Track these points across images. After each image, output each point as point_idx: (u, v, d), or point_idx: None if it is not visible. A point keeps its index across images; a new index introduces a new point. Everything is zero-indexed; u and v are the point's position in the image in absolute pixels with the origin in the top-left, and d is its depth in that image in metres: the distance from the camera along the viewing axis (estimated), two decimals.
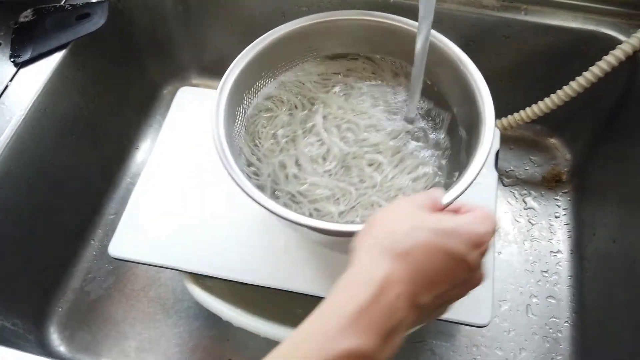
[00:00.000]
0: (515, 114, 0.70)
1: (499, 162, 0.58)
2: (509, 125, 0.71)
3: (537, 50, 0.69)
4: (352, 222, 0.47)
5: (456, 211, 0.36)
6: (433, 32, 0.49)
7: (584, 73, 0.62)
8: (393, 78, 0.55)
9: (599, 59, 0.61)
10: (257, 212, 0.53)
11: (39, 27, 0.65)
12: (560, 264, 0.71)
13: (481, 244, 0.32)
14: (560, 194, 0.76)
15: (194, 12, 0.78)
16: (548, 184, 0.77)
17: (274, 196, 0.48)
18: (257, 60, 0.52)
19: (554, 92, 0.65)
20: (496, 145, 0.58)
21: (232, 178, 0.43)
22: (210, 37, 0.81)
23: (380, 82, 0.55)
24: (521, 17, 0.66)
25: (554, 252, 0.72)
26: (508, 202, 0.76)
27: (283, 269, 0.53)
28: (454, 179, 0.47)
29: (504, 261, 0.71)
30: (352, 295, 0.29)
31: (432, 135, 0.51)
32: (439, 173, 0.49)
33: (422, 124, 0.52)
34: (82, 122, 0.70)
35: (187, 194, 0.58)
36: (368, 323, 0.28)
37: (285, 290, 0.52)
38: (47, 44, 0.64)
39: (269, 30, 0.52)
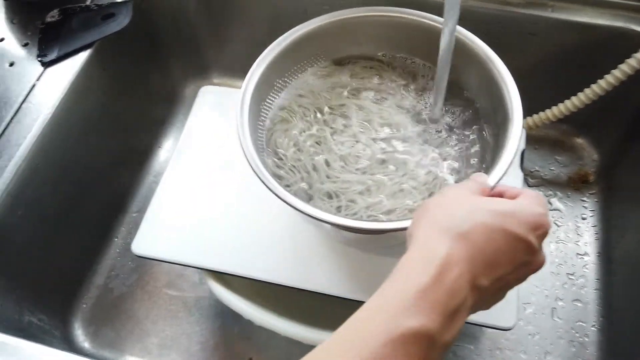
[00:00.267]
0: (541, 113, 0.68)
1: (524, 162, 0.57)
2: (534, 124, 0.70)
3: (564, 48, 0.67)
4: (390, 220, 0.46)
5: (500, 196, 0.37)
6: (459, 28, 0.48)
7: (613, 71, 0.60)
8: (412, 78, 0.55)
9: (629, 57, 0.59)
10: (280, 210, 0.53)
11: (65, 27, 0.66)
12: (587, 266, 0.70)
13: (540, 226, 0.32)
14: (587, 195, 0.75)
15: (216, 11, 0.78)
16: (574, 184, 0.75)
17: (307, 196, 0.48)
18: (278, 59, 0.52)
19: (581, 90, 0.64)
20: (522, 145, 0.57)
21: (264, 183, 0.43)
22: (232, 36, 0.81)
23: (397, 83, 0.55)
24: (548, 14, 0.65)
25: (580, 254, 0.70)
26: None
27: (306, 268, 0.53)
28: None
29: None
30: (414, 275, 0.29)
31: (457, 135, 0.51)
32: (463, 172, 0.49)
33: (447, 123, 0.51)
34: (106, 121, 0.71)
35: (210, 192, 0.58)
36: (432, 302, 0.28)
37: (308, 290, 0.52)
38: (73, 44, 0.65)
39: (291, 28, 0.52)
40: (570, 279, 0.69)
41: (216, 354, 0.66)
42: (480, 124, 0.51)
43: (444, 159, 0.49)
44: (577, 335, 0.65)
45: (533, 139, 0.79)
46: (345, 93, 0.54)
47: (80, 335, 0.68)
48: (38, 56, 0.64)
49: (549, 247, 0.71)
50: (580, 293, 0.68)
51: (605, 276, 0.68)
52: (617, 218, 0.70)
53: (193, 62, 0.87)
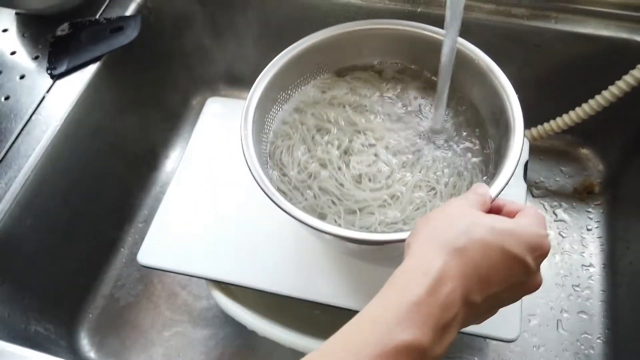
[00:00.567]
0: (546, 124, 0.68)
1: (529, 173, 0.57)
2: (538, 135, 0.70)
3: (568, 59, 0.67)
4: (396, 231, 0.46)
5: (498, 210, 0.37)
6: (461, 40, 0.48)
7: (617, 82, 0.61)
8: (415, 90, 0.55)
9: (633, 68, 0.59)
10: (284, 222, 0.54)
11: (75, 40, 0.67)
12: (592, 278, 0.69)
13: (539, 248, 0.32)
14: (593, 205, 0.74)
15: (223, 24, 0.79)
16: (579, 195, 0.75)
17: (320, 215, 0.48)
18: (283, 71, 0.52)
19: (586, 101, 0.64)
20: (525, 155, 0.57)
21: (267, 195, 0.43)
22: (238, 48, 0.82)
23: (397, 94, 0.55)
24: (551, 25, 0.65)
25: (585, 265, 0.70)
26: None
27: (310, 279, 0.53)
28: None
29: None
30: (409, 287, 0.29)
31: (459, 146, 0.51)
32: (466, 182, 0.49)
33: (448, 133, 0.52)
34: (114, 132, 0.72)
35: (216, 203, 0.59)
36: (425, 316, 0.28)
37: (312, 301, 0.52)
38: (82, 57, 0.66)
39: (297, 40, 0.53)
40: (575, 290, 0.68)
41: None
42: (482, 134, 0.51)
43: (446, 170, 0.49)
44: (583, 347, 0.65)
45: (538, 150, 0.79)
46: (347, 108, 0.54)
47: (86, 344, 0.69)
48: (48, 69, 0.65)
49: (553, 258, 0.71)
50: (586, 305, 0.67)
51: (611, 288, 0.68)
52: (623, 229, 0.70)
53: (200, 74, 0.88)
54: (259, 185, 0.43)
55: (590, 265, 0.70)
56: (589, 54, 0.66)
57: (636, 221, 0.68)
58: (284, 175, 0.50)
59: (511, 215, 0.36)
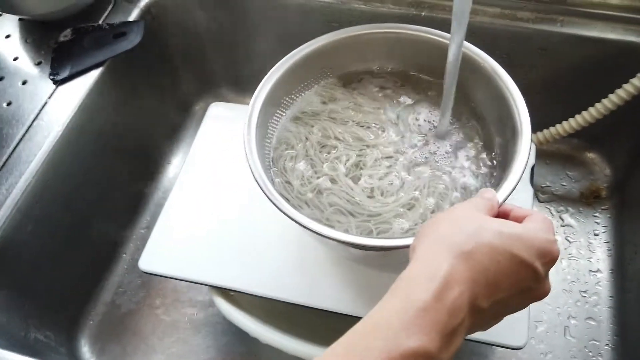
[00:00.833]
0: (552, 128, 0.68)
1: (535, 177, 0.56)
2: (545, 139, 0.69)
3: (575, 63, 0.67)
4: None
5: (505, 215, 0.36)
6: (467, 44, 0.48)
7: (624, 85, 0.60)
8: (420, 95, 0.55)
9: None
10: (287, 228, 0.53)
11: (78, 46, 0.67)
12: (600, 283, 0.68)
13: (548, 254, 0.32)
14: (600, 210, 0.74)
15: (226, 29, 0.79)
16: (586, 200, 0.74)
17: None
18: (286, 76, 0.52)
19: (592, 105, 0.63)
20: (532, 160, 0.57)
21: (271, 200, 0.42)
22: (241, 53, 0.82)
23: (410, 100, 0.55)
24: (557, 29, 0.64)
25: (593, 271, 0.69)
26: None
27: (313, 285, 0.52)
28: None
29: None
30: (415, 292, 0.29)
31: (466, 150, 0.50)
32: (473, 188, 0.48)
33: (454, 138, 0.51)
34: (116, 138, 0.71)
35: (218, 209, 0.58)
36: (432, 322, 0.28)
37: (315, 308, 0.51)
38: (85, 62, 0.65)
39: (299, 45, 0.53)
40: (583, 296, 0.67)
41: None
42: (488, 139, 0.50)
43: (452, 175, 0.49)
44: (591, 354, 0.64)
45: (544, 154, 0.78)
46: (350, 118, 0.53)
47: (86, 352, 0.68)
48: (50, 74, 0.65)
49: (560, 263, 0.70)
50: (594, 311, 0.66)
51: (619, 293, 0.67)
52: (630, 234, 0.69)
53: (203, 79, 0.87)
54: (263, 191, 0.43)
55: (598, 270, 0.69)
56: (596, 58, 0.65)
57: None
58: (288, 183, 0.49)
59: (519, 220, 0.35)
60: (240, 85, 0.88)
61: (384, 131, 0.52)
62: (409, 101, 0.54)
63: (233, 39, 0.81)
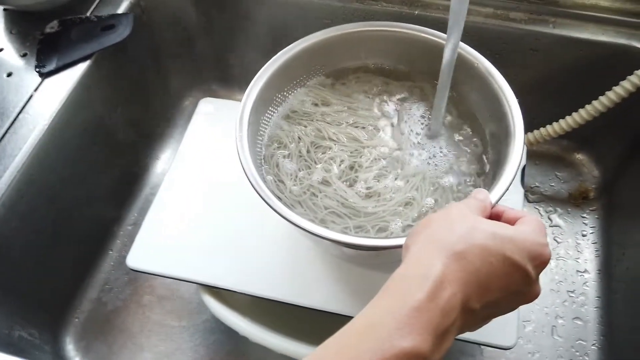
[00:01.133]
0: (542, 129, 0.68)
1: (524, 177, 0.56)
2: (535, 140, 0.69)
3: (566, 64, 0.67)
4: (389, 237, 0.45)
5: (497, 217, 0.36)
6: (462, 44, 0.48)
7: (615, 88, 0.60)
8: (412, 94, 0.54)
9: (631, 73, 0.59)
10: (278, 226, 0.53)
11: (64, 38, 0.66)
12: (587, 284, 0.69)
13: (539, 257, 0.32)
14: (588, 211, 0.74)
15: (217, 24, 0.78)
16: (575, 201, 0.75)
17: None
18: (279, 73, 0.51)
19: (582, 106, 0.64)
20: (523, 160, 0.57)
21: (263, 198, 0.42)
22: (232, 49, 0.81)
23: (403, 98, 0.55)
24: (549, 30, 0.65)
25: (580, 271, 0.70)
26: None
27: (304, 284, 0.52)
28: None
29: None
30: (408, 291, 0.29)
31: (458, 150, 0.50)
32: (465, 187, 0.48)
33: (447, 138, 0.51)
34: (104, 132, 0.70)
35: (207, 205, 0.58)
36: (425, 322, 0.28)
37: (306, 307, 0.51)
38: (72, 55, 0.64)
39: (292, 42, 0.52)
40: (570, 296, 0.68)
41: None
42: (481, 139, 0.50)
43: (445, 175, 0.48)
44: (578, 354, 0.64)
45: (533, 155, 0.79)
46: (344, 119, 0.53)
47: (71, 350, 0.67)
48: (36, 67, 0.63)
49: (549, 264, 0.70)
50: (581, 311, 0.67)
51: (606, 294, 0.67)
52: (618, 235, 0.70)
53: (193, 74, 0.86)
54: (255, 189, 0.42)
55: (585, 271, 0.70)
56: (587, 59, 0.66)
57: (631, 227, 0.67)
58: (281, 181, 0.49)
59: (511, 221, 0.35)
60: (230, 81, 0.87)
61: (378, 131, 0.52)
62: (402, 100, 0.54)
63: (224, 34, 0.80)
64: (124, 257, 0.55)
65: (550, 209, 0.75)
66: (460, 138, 0.51)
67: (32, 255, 0.61)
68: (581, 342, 0.65)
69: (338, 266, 0.53)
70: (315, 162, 0.50)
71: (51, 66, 0.63)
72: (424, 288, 0.28)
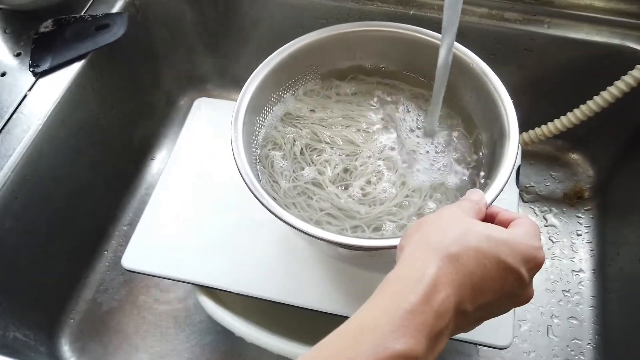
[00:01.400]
0: (537, 129, 0.68)
1: (519, 177, 0.56)
2: (530, 140, 0.69)
3: (560, 64, 0.67)
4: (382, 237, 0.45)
5: (492, 218, 0.37)
6: (457, 45, 0.48)
7: (609, 88, 0.60)
8: (408, 94, 0.54)
9: (625, 74, 0.59)
10: (273, 226, 0.53)
11: (59, 37, 0.65)
12: (582, 283, 0.69)
13: (533, 260, 0.32)
14: (583, 211, 0.74)
15: (212, 24, 0.78)
16: (569, 200, 0.75)
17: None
18: (274, 73, 0.51)
19: (577, 106, 0.64)
20: (518, 160, 0.57)
21: (258, 199, 0.42)
22: (227, 48, 0.81)
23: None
24: (544, 30, 0.65)
25: (575, 271, 0.70)
26: None
27: (299, 284, 0.52)
28: None
29: None
30: (402, 294, 0.29)
31: (452, 151, 0.50)
32: (460, 187, 0.48)
33: (442, 139, 0.51)
34: (98, 132, 0.70)
35: (202, 205, 0.57)
36: (419, 324, 0.28)
37: (301, 307, 0.51)
38: (67, 54, 0.64)
39: (287, 42, 0.52)
40: (565, 296, 0.68)
41: None
42: (475, 139, 0.50)
43: (440, 175, 0.49)
44: (573, 353, 0.64)
45: (528, 155, 0.79)
46: (338, 122, 0.53)
47: (67, 351, 0.67)
48: (30, 66, 0.63)
49: (544, 263, 0.70)
50: (576, 310, 0.67)
51: (601, 293, 0.68)
52: (613, 235, 0.70)
53: (188, 74, 0.86)
54: (250, 189, 0.42)
55: (581, 270, 0.70)
56: (581, 60, 0.66)
57: (626, 227, 0.68)
58: (275, 182, 0.49)
59: (505, 223, 0.35)
60: (225, 81, 0.87)
61: (373, 133, 0.52)
62: (397, 101, 0.54)
63: (219, 34, 0.79)
64: (120, 258, 0.55)
65: (545, 208, 0.75)
66: (455, 138, 0.51)
67: (26, 256, 0.61)
68: (576, 341, 0.65)
69: (333, 266, 0.52)
70: (310, 164, 0.50)
71: (45, 66, 0.63)
72: (418, 290, 0.29)
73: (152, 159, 0.83)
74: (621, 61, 0.62)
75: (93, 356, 0.67)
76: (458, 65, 0.49)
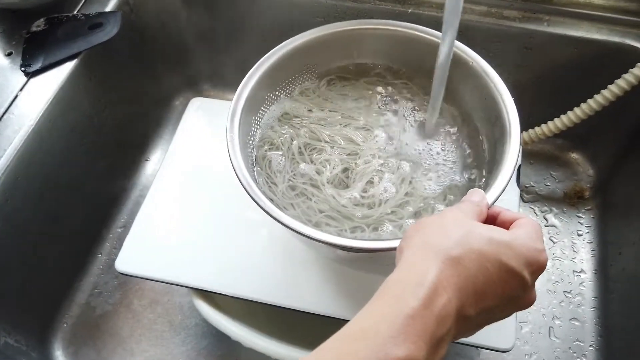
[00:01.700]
0: (537, 128, 0.68)
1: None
2: (530, 139, 0.69)
3: (560, 63, 0.67)
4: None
5: (493, 218, 0.36)
6: (457, 43, 0.47)
7: (609, 86, 0.60)
8: (407, 93, 0.54)
9: (625, 72, 0.59)
10: (269, 228, 0.52)
11: (51, 36, 0.64)
12: (584, 284, 0.68)
13: (536, 263, 0.31)
14: (583, 210, 0.74)
15: (207, 22, 0.77)
16: (570, 200, 0.74)
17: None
18: (270, 72, 0.50)
19: (577, 105, 0.63)
20: (519, 160, 0.56)
21: (255, 200, 0.41)
22: (223, 47, 0.80)
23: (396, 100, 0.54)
24: (543, 28, 0.64)
25: (577, 271, 0.69)
26: None
27: (296, 287, 0.51)
28: None
29: None
30: (402, 298, 0.28)
31: (452, 149, 0.49)
32: (461, 187, 0.47)
33: (442, 138, 0.50)
34: (92, 133, 0.69)
35: (198, 207, 0.57)
36: (420, 330, 0.27)
37: (299, 310, 0.50)
38: (59, 54, 0.63)
39: (283, 41, 0.51)
40: (567, 297, 0.67)
41: None
42: (476, 138, 0.49)
43: (440, 174, 0.48)
44: (575, 355, 0.64)
45: (528, 154, 0.78)
46: (337, 122, 0.52)
47: (59, 356, 0.66)
48: (22, 66, 0.62)
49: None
50: (578, 311, 0.66)
51: (603, 294, 0.67)
52: (614, 234, 0.69)
53: (183, 73, 0.85)
54: (246, 191, 0.41)
55: (582, 271, 0.69)
56: (581, 58, 0.65)
57: (627, 226, 0.67)
58: (273, 183, 0.48)
59: (506, 224, 0.35)
60: (221, 81, 0.86)
61: (372, 131, 0.51)
62: (396, 100, 0.53)
63: (214, 33, 0.79)
64: (113, 261, 0.54)
65: (546, 208, 0.74)
66: (456, 137, 0.50)
67: (18, 259, 0.60)
68: (579, 343, 0.64)
69: (331, 269, 0.52)
70: (309, 163, 0.49)
71: (37, 65, 0.62)
72: (419, 295, 0.28)
73: (147, 159, 0.82)
74: (621, 59, 0.61)
75: None
76: (458, 64, 0.48)
